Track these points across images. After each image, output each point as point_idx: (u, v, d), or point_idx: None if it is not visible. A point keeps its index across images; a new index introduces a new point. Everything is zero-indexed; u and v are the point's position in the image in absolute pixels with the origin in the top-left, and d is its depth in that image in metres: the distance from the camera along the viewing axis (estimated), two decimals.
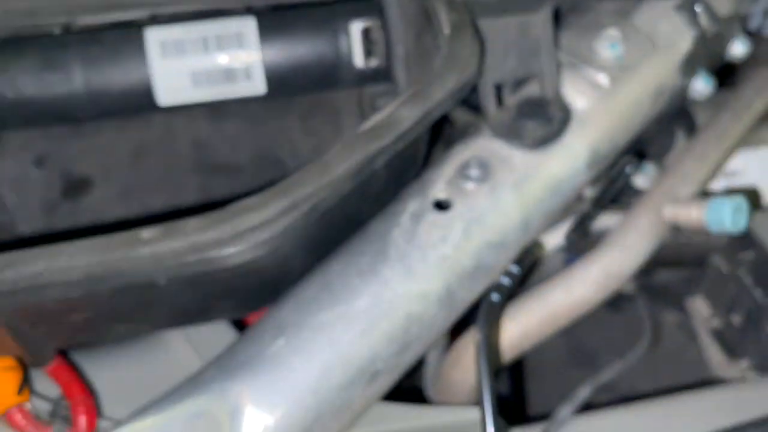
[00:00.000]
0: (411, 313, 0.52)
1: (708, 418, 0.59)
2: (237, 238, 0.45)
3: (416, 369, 0.62)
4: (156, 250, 0.44)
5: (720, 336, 0.74)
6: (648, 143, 0.84)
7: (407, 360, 0.53)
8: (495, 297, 0.53)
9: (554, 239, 0.66)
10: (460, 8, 0.56)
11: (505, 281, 0.54)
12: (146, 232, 0.45)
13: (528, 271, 0.55)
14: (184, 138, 0.84)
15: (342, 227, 0.58)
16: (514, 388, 1.01)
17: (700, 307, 0.77)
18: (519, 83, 0.63)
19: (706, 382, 0.69)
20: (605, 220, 0.70)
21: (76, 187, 0.80)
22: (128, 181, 0.81)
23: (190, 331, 0.64)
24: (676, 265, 0.80)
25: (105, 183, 0.81)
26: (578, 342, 1.07)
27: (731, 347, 0.72)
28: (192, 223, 0.45)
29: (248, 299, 0.56)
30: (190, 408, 0.48)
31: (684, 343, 1.07)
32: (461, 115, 0.79)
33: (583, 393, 0.61)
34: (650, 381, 1.02)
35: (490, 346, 0.51)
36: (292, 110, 0.86)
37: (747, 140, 0.79)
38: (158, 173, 0.82)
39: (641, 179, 0.79)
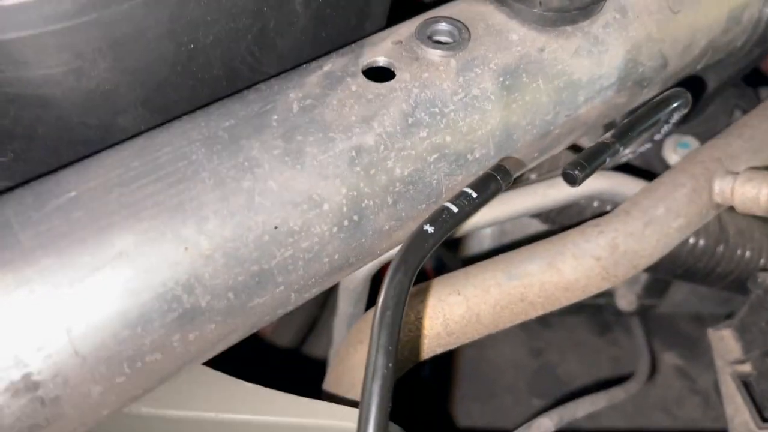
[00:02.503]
0: (282, 224, 0.30)
1: None
2: None
3: None
4: None
5: (749, 386, 0.52)
6: (700, 121, 0.63)
7: (264, 303, 0.31)
8: (429, 228, 0.31)
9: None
10: None
11: (452, 208, 0.32)
12: None
13: (489, 199, 0.33)
14: None
15: (220, 83, 0.37)
16: (447, 403, 0.79)
17: (726, 344, 0.55)
18: None
19: None
20: (627, 185, 0.48)
21: None
22: None
23: None
24: (704, 281, 0.58)
25: None
26: (549, 366, 0.85)
27: (763, 404, 0.50)
28: None
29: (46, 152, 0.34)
30: None
31: (685, 393, 0.85)
32: None
33: (541, 427, 0.39)
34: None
35: (402, 306, 0.29)
36: None
37: None
38: None
39: (680, 156, 0.59)
